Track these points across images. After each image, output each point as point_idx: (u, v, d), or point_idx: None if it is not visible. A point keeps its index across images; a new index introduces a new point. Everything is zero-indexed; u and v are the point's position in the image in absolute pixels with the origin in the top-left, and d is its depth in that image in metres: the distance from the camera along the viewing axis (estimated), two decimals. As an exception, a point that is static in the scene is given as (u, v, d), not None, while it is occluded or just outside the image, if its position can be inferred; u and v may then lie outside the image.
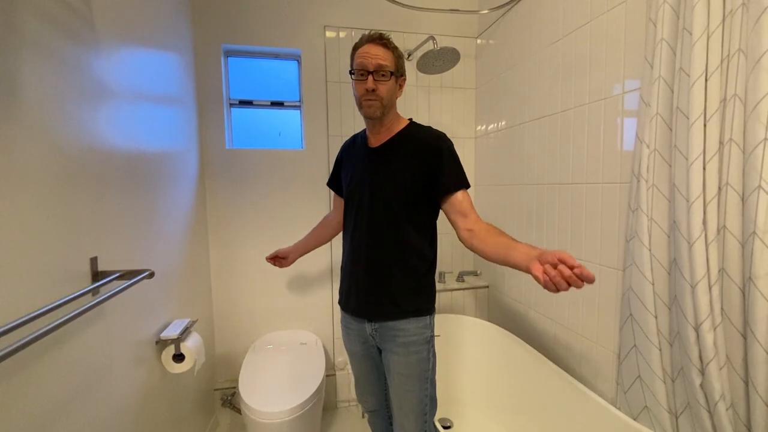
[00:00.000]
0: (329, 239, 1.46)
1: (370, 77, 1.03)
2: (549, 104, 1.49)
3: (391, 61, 1.04)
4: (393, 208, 1.08)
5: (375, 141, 1.14)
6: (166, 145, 1.38)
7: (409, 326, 1.09)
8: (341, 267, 1.23)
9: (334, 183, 1.35)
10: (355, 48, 1.06)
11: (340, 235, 1.36)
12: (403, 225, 1.08)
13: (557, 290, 0.72)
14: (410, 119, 1.17)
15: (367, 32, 1.06)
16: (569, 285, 0.71)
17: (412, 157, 1.07)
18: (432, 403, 1.16)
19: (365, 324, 1.15)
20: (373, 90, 1.03)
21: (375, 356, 1.20)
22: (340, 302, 1.23)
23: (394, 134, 1.12)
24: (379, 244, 1.10)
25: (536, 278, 0.75)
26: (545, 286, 0.73)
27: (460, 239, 1.04)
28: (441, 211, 1.13)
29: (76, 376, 0.83)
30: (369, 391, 1.28)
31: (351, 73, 1.07)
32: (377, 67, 1.02)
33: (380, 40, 1.04)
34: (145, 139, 1.20)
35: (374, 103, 1.05)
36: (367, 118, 1.09)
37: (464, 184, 1.05)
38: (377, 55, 1.02)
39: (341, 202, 1.26)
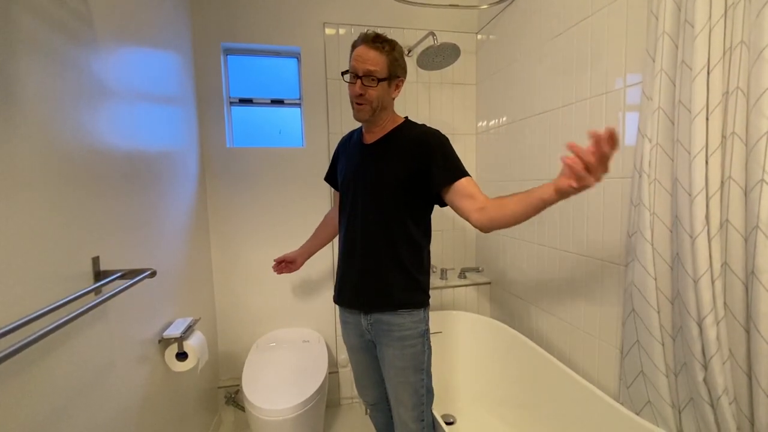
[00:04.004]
0: (333, 237, 1.46)
1: (359, 82, 1.03)
2: (550, 99, 1.48)
3: (383, 66, 1.04)
4: (385, 203, 1.09)
5: (369, 138, 1.16)
6: (167, 145, 1.37)
7: (404, 320, 1.11)
8: (337, 261, 1.24)
9: (330, 177, 1.37)
10: (353, 47, 1.07)
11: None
12: (395, 220, 1.09)
13: (589, 172, 0.71)
14: (406, 117, 1.18)
15: (365, 31, 1.06)
16: (596, 161, 0.70)
17: (403, 153, 1.08)
18: (428, 394, 1.18)
19: (361, 318, 1.17)
20: (362, 95, 1.04)
21: (372, 349, 1.22)
22: (335, 297, 1.25)
23: (388, 132, 1.13)
24: (372, 238, 1.11)
25: (566, 185, 0.75)
26: (575, 172, 0.72)
27: (474, 223, 0.99)
28: (436, 207, 1.13)
29: (79, 376, 0.83)
30: (368, 384, 1.29)
31: (344, 73, 1.08)
32: (366, 73, 1.03)
33: (374, 42, 1.03)
34: (146, 139, 1.20)
35: (363, 107, 1.07)
36: (357, 120, 1.12)
37: (462, 174, 1.04)
38: (368, 59, 1.02)
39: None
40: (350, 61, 1.07)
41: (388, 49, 1.04)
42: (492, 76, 1.91)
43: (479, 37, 2.02)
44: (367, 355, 1.24)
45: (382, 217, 1.10)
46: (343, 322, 1.25)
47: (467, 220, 1.01)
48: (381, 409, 1.33)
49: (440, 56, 1.75)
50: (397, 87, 1.12)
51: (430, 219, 1.17)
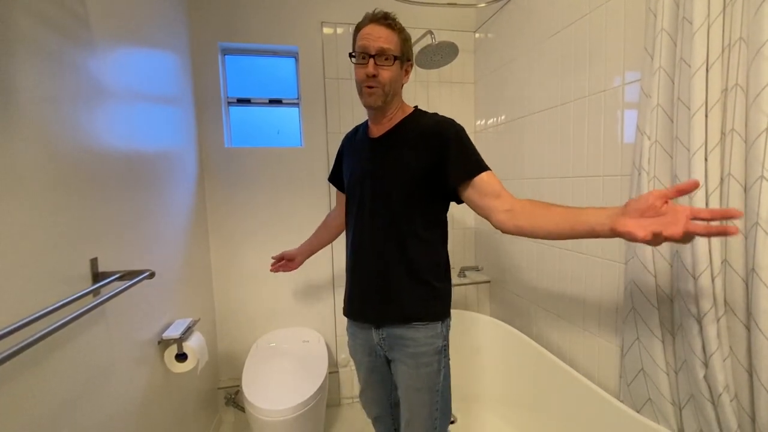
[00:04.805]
0: (333, 239, 1.41)
1: (371, 61, 0.93)
2: (548, 97, 1.48)
3: (396, 44, 0.95)
4: (396, 202, 0.98)
5: (377, 131, 1.05)
6: (165, 145, 1.37)
7: (419, 335, 1.00)
8: (345, 270, 1.14)
9: (335, 177, 1.28)
10: (358, 28, 0.98)
11: (343, 234, 1.35)
12: (408, 221, 0.99)
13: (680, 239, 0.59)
14: (416, 107, 1.07)
15: (371, 11, 0.97)
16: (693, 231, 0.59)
17: (416, 145, 0.97)
18: (443, 416, 1.07)
19: (372, 332, 1.06)
20: (374, 76, 0.94)
21: (381, 368, 1.12)
22: (344, 309, 1.14)
23: (397, 123, 1.03)
24: (383, 243, 1.01)
25: (631, 236, 0.63)
26: (651, 242, 0.61)
27: (496, 224, 0.89)
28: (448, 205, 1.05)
29: (79, 378, 0.83)
30: (373, 400, 1.20)
31: (351, 56, 0.98)
32: (379, 51, 0.93)
33: (384, 20, 0.95)
34: (144, 140, 1.20)
35: (375, 91, 0.96)
36: (367, 107, 1.00)
37: (483, 167, 0.93)
38: (380, 37, 0.93)
39: (344, 198, 1.17)
40: (356, 43, 0.97)
41: (399, 27, 0.96)
42: (490, 74, 1.91)
43: (477, 35, 2.02)
44: (375, 375, 1.13)
45: (392, 219, 0.99)
46: (352, 336, 1.15)
47: (488, 219, 0.91)
48: (383, 422, 1.23)
49: (438, 55, 1.75)
50: (407, 72, 1.02)
51: (446, 219, 1.06)
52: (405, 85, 1.06)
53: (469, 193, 0.93)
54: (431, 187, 0.97)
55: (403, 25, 0.93)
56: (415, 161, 0.97)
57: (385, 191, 1.00)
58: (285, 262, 1.42)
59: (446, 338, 1.05)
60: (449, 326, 1.07)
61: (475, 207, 0.94)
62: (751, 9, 0.80)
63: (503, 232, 0.89)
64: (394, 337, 1.03)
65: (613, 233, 0.67)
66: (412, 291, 1.00)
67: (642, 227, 0.62)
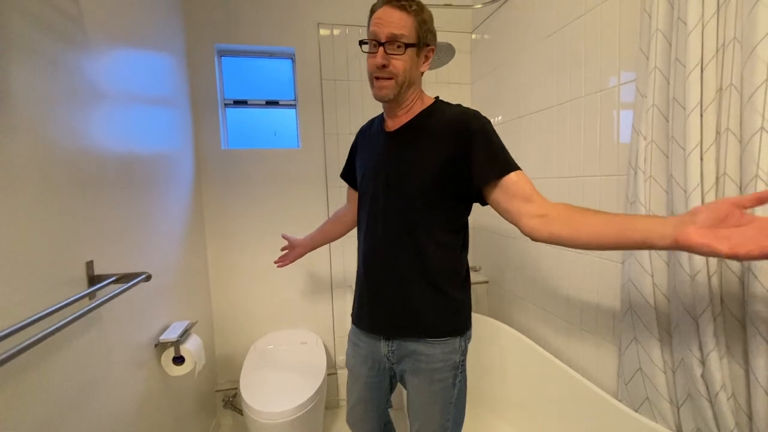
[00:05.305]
0: (340, 235, 1.31)
1: (381, 50, 0.84)
2: (545, 98, 1.48)
3: (411, 29, 0.85)
4: (413, 203, 0.89)
5: (392, 124, 0.96)
6: (161, 147, 1.37)
7: (434, 351, 0.92)
8: (356, 274, 1.06)
9: (347, 174, 1.18)
10: (372, 12, 0.88)
11: (341, 234, 1.33)
12: (426, 224, 0.90)
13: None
14: (436, 97, 0.99)
15: None
16: None
17: (436, 140, 0.88)
18: (456, 426, 1.00)
19: (380, 343, 0.98)
20: (384, 66, 0.85)
21: (380, 384, 1.03)
22: (352, 315, 1.07)
23: (415, 115, 0.93)
24: (398, 247, 0.92)
25: (710, 249, 0.54)
26: (740, 257, 0.51)
27: (527, 231, 0.81)
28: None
29: (75, 381, 0.82)
30: (366, 419, 1.08)
31: (362, 43, 0.89)
32: (390, 38, 0.83)
33: (398, 1, 0.84)
34: (140, 141, 1.19)
35: (387, 83, 0.87)
36: (378, 100, 0.91)
37: (512, 166, 0.84)
38: (392, 22, 0.83)
39: (355, 195, 1.09)
40: (368, 28, 0.88)
41: (416, 9, 0.86)
42: (487, 75, 1.91)
43: (474, 36, 2.03)
44: (371, 393, 1.04)
45: (408, 221, 0.90)
46: (353, 344, 1.06)
47: (516, 225, 0.83)
48: None
49: (435, 56, 1.75)
50: (427, 58, 0.92)
51: (468, 222, 0.98)
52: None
53: (496, 195, 0.84)
54: (453, 186, 0.88)
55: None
56: (434, 157, 0.88)
57: (401, 190, 0.91)
58: (285, 253, 1.36)
59: (464, 353, 0.97)
60: (470, 338, 0.99)
61: (501, 211, 0.86)
62: (744, 9, 0.80)
63: (534, 239, 0.81)
64: (406, 350, 0.95)
65: (678, 245, 0.59)
66: (429, 302, 0.92)
67: (725, 239, 0.54)
